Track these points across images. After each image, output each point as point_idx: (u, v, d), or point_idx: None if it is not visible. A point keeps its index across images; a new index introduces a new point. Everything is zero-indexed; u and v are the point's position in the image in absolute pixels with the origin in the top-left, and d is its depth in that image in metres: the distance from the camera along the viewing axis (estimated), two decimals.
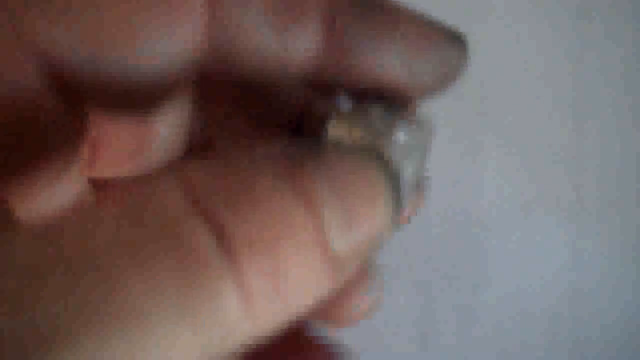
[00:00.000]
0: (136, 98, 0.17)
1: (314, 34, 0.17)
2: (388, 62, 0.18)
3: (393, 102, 0.18)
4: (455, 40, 0.19)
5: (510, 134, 0.52)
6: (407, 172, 0.18)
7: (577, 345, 0.52)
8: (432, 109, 0.46)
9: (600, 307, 0.52)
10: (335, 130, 0.17)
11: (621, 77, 0.52)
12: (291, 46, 0.17)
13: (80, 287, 0.12)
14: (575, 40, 0.52)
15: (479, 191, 0.51)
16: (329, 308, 0.19)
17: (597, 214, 0.52)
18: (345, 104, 0.18)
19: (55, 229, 0.12)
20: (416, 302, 0.50)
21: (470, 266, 0.51)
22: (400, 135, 0.18)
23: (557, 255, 0.51)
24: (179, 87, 0.17)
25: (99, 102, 0.17)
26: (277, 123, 0.20)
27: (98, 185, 0.19)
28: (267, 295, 0.13)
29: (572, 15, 0.52)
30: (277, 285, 0.13)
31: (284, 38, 0.17)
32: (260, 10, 0.17)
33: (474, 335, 0.51)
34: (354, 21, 0.17)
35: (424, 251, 0.50)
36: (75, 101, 0.17)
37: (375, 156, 0.15)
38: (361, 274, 0.19)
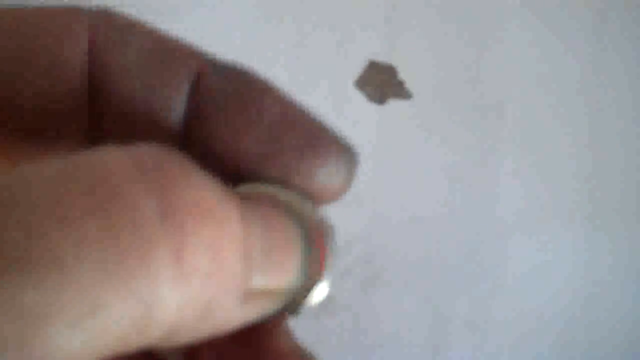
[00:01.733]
0: (23, 130, 0.18)
1: (180, 95, 0.18)
2: (246, 144, 0.18)
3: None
4: (338, 146, 0.18)
5: (527, 146, 0.53)
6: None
7: (589, 357, 0.52)
8: (448, 116, 0.46)
9: (613, 317, 0.52)
10: None
11: (636, 91, 0.53)
12: (161, 102, 0.18)
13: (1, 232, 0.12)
14: (590, 56, 0.52)
15: (494, 202, 0.52)
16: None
17: (611, 225, 0.52)
18: None
19: None
20: (427, 313, 0.51)
21: (486, 275, 0.51)
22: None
23: (572, 265, 0.51)
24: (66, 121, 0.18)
25: None
26: None
27: None
28: (202, 276, 0.13)
29: (587, 32, 0.52)
30: (213, 270, 0.13)
31: (154, 91, 0.18)
32: (137, 58, 0.18)
33: (486, 352, 0.51)
34: (220, 86, 0.18)
35: (437, 259, 0.51)
36: None
37: (291, 212, 0.16)
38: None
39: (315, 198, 0.18)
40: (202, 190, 0.14)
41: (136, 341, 0.13)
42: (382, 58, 0.47)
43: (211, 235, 0.13)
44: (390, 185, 0.51)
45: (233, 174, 0.18)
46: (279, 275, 0.15)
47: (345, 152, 0.18)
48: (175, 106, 0.18)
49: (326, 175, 0.18)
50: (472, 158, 0.51)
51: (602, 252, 0.52)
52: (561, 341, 0.52)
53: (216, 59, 0.18)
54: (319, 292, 0.17)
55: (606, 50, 0.53)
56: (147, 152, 0.14)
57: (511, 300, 0.51)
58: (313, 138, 0.18)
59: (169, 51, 0.18)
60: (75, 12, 0.18)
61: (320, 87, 0.46)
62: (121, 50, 0.18)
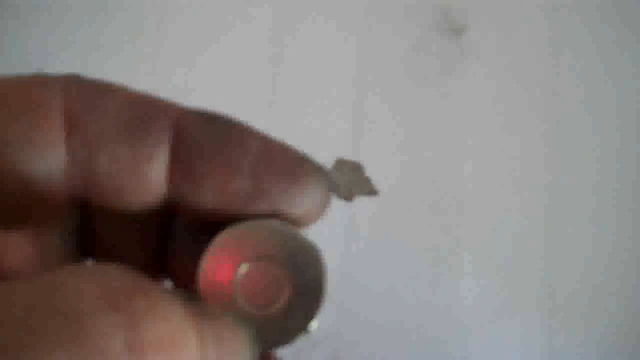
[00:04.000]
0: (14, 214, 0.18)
1: (161, 159, 0.18)
2: (235, 176, 0.18)
3: None
4: (313, 165, 0.19)
5: (486, 242, 0.53)
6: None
7: None
8: (408, 218, 0.45)
9: None
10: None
11: (593, 180, 0.54)
12: (143, 159, 0.18)
13: None
14: (549, 141, 0.54)
15: (455, 297, 0.51)
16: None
17: (570, 313, 0.52)
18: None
19: None
20: None
21: None
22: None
23: (534, 353, 0.51)
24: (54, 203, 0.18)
25: None
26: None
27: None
28: None
29: (544, 129, 0.54)
30: None
31: (136, 150, 0.18)
32: (113, 126, 0.18)
33: None
34: (200, 135, 0.18)
35: (403, 357, 0.50)
36: None
37: (243, 320, 0.17)
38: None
39: (299, 223, 0.18)
40: (166, 321, 0.14)
41: None
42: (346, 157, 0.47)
43: None
44: (357, 283, 0.50)
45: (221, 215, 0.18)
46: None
47: (323, 177, 0.19)
48: (157, 161, 0.18)
49: (309, 200, 0.18)
50: (433, 257, 0.52)
51: (559, 345, 0.51)
52: None
53: (190, 107, 0.19)
54: None
55: (563, 148, 0.54)
56: (115, 278, 0.14)
57: None
58: (294, 169, 0.18)
59: (144, 106, 0.18)
60: (45, 83, 0.18)
61: None
62: (96, 117, 0.18)
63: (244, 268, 0.18)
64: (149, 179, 0.18)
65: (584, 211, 0.53)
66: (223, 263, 0.18)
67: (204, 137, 0.18)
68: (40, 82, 0.18)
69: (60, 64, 0.53)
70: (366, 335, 0.50)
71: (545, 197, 0.53)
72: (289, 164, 0.18)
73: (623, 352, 0.51)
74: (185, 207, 0.18)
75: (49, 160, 0.17)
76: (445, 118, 0.54)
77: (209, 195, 0.18)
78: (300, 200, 0.18)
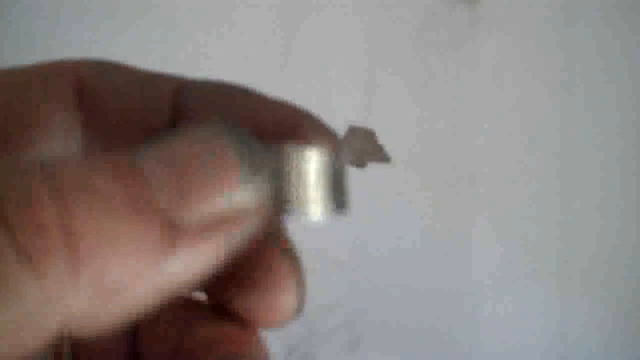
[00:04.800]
0: None
1: (164, 103, 0.18)
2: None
3: None
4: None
5: (499, 210, 0.54)
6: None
7: None
8: (421, 185, 0.46)
9: None
10: None
11: (606, 153, 0.54)
12: (148, 109, 0.18)
13: None
14: (562, 112, 0.54)
15: (468, 265, 0.52)
16: (252, 305, 0.17)
17: (583, 287, 0.53)
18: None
19: None
20: None
21: (461, 335, 0.51)
22: None
23: (544, 323, 0.52)
24: None
25: None
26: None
27: None
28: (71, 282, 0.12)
29: (556, 98, 0.54)
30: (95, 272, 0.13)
31: (141, 102, 0.18)
32: (124, 83, 0.18)
33: None
34: (198, 96, 0.19)
35: (416, 321, 0.51)
36: None
37: (227, 130, 0.15)
38: (285, 269, 0.18)
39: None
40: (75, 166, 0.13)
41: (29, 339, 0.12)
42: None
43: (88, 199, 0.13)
44: (369, 251, 0.51)
45: None
46: (216, 195, 0.14)
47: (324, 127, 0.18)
48: (160, 113, 0.18)
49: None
50: (446, 224, 0.52)
51: (574, 311, 0.52)
52: None
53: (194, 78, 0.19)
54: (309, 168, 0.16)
55: (576, 118, 0.54)
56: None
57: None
58: (296, 117, 0.18)
59: (150, 74, 0.19)
60: (59, 67, 0.18)
61: None
62: (109, 79, 0.18)
63: None
64: (155, 121, 0.19)
65: (598, 179, 0.54)
66: None
67: (204, 95, 0.19)
68: (52, 69, 0.19)
69: (70, 38, 0.53)
70: (379, 302, 0.51)
71: (559, 167, 0.54)
72: (287, 117, 0.18)
73: (639, 321, 0.52)
74: None
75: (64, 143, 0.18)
76: (457, 89, 0.54)
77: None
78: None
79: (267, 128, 0.17)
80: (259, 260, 0.18)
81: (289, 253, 0.18)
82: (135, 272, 0.13)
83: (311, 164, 0.17)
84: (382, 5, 0.55)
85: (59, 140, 0.18)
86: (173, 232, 0.13)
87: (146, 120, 0.18)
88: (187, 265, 0.14)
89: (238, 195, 0.14)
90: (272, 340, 0.19)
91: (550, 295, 0.52)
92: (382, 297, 0.51)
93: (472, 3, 0.55)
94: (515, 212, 0.53)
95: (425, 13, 0.55)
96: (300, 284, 0.18)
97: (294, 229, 0.19)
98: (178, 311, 0.18)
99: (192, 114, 0.18)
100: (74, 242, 0.12)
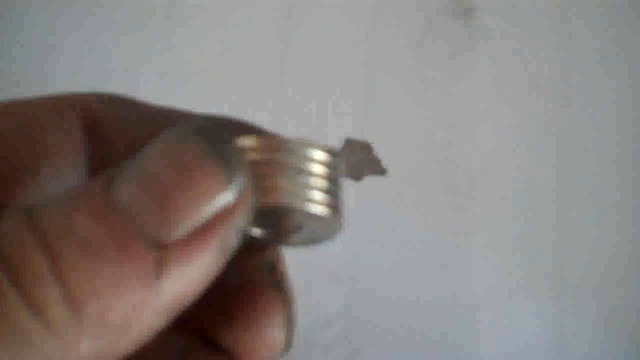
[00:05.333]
0: None
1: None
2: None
3: None
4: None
5: (497, 221, 0.54)
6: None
7: None
8: (418, 197, 0.46)
9: None
10: None
11: (605, 159, 0.54)
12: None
13: None
14: (559, 123, 0.54)
15: (466, 276, 0.52)
16: (241, 340, 0.17)
17: (579, 297, 0.52)
18: None
19: None
20: None
21: (459, 347, 0.51)
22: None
23: (542, 336, 0.51)
24: None
25: None
26: None
27: None
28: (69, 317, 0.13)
29: (555, 108, 0.54)
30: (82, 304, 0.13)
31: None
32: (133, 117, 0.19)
33: None
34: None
35: (414, 335, 0.50)
36: None
37: (194, 130, 0.14)
38: (275, 304, 0.17)
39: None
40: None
41: None
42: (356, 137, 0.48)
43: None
44: (367, 263, 0.51)
45: None
46: (200, 204, 0.14)
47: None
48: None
49: None
50: (444, 236, 0.52)
51: (570, 325, 0.52)
52: None
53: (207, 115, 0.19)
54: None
55: (573, 129, 0.54)
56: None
57: None
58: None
59: (161, 111, 0.19)
60: (69, 99, 0.18)
61: None
62: (118, 113, 0.18)
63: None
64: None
65: (596, 191, 0.54)
66: None
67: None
68: (60, 102, 0.19)
69: (68, 48, 0.53)
70: (377, 313, 0.50)
71: (556, 178, 0.54)
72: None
73: (635, 333, 0.52)
74: None
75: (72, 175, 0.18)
76: (454, 101, 0.54)
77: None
78: None
79: None
80: (249, 293, 0.17)
81: (280, 285, 0.18)
82: (135, 302, 0.13)
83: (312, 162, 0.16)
84: (379, 16, 0.55)
85: (66, 171, 0.18)
86: (162, 252, 0.13)
87: None
88: (185, 278, 0.14)
89: (222, 197, 0.14)
90: None
91: (548, 306, 0.52)
92: (380, 309, 0.51)
93: (469, 15, 0.55)
94: (513, 223, 0.53)
95: (422, 25, 0.55)
96: (290, 320, 0.18)
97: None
98: (168, 338, 0.17)
99: None
100: (71, 289, 0.13)
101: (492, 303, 0.51)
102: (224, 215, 0.14)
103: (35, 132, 0.18)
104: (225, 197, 0.14)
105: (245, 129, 0.18)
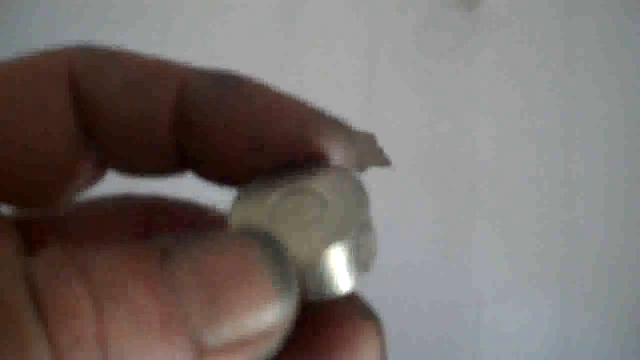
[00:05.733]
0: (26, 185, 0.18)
1: (166, 107, 0.17)
2: (239, 146, 0.17)
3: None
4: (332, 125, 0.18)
5: (500, 217, 0.53)
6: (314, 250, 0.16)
7: None
8: (421, 191, 0.46)
9: None
10: (238, 208, 0.17)
11: (611, 149, 0.54)
12: (147, 117, 0.17)
13: None
14: (563, 114, 0.54)
15: (469, 274, 0.52)
16: None
17: (585, 294, 0.52)
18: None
19: None
20: None
21: (463, 344, 0.51)
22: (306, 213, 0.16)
23: (546, 330, 0.51)
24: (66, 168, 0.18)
25: None
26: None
27: None
28: None
29: (558, 106, 0.54)
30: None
31: (140, 108, 0.17)
32: (121, 82, 0.17)
33: None
34: (204, 99, 0.17)
35: (418, 331, 0.50)
36: None
37: (261, 238, 0.14)
38: (369, 334, 0.17)
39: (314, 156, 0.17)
40: (108, 258, 0.13)
41: None
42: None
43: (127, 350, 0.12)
44: None
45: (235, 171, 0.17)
46: (246, 316, 0.13)
47: (339, 129, 0.17)
48: (162, 118, 0.17)
49: (328, 147, 0.17)
50: (447, 231, 0.52)
51: (576, 319, 0.51)
52: None
53: (200, 68, 0.18)
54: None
55: (577, 120, 0.54)
56: (53, 260, 0.13)
57: None
58: (305, 123, 0.17)
59: (151, 69, 0.18)
60: (53, 55, 0.18)
61: None
62: (103, 77, 0.18)
63: (276, 202, 0.17)
64: (154, 137, 0.18)
65: (601, 184, 0.53)
66: (254, 207, 0.17)
67: (210, 96, 0.18)
68: (46, 58, 0.18)
69: (68, 37, 0.53)
70: (379, 309, 0.50)
71: (561, 171, 0.53)
72: (297, 120, 0.17)
73: None
74: (194, 164, 0.18)
75: (56, 128, 0.17)
76: (457, 92, 0.54)
77: (215, 154, 0.17)
78: (315, 138, 0.17)
79: (267, 131, 0.17)
80: (336, 330, 0.17)
81: (368, 313, 0.18)
82: None
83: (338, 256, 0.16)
84: (381, 8, 0.55)
85: (58, 145, 0.18)
86: (200, 351, 0.13)
87: (146, 134, 0.18)
88: None
89: (267, 316, 0.14)
90: None
91: (552, 304, 0.51)
92: (382, 308, 0.50)
93: (471, 6, 0.55)
94: (517, 218, 0.53)
95: (425, 16, 0.55)
96: (384, 353, 0.17)
97: None
98: None
99: (198, 126, 0.17)
100: (109, 357, 0.12)
101: (496, 300, 0.51)
102: (264, 335, 0.14)
103: (28, 106, 0.17)
104: (269, 318, 0.14)
105: (254, 90, 0.18)
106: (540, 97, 0.54)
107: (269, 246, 0.14)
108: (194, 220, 0.19)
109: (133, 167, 0.19)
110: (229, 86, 0.18)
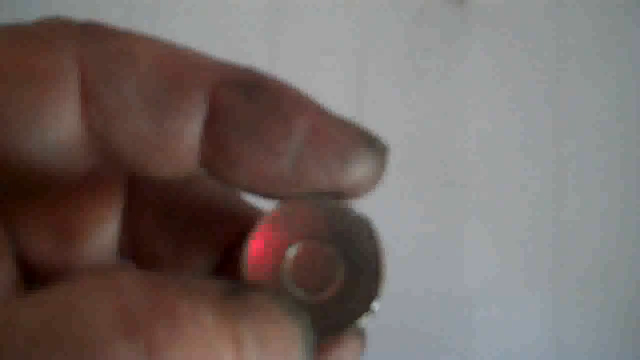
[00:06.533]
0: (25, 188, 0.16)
1: (193, 135, 0.16)
2: (275, 160, 0.16)
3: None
4: (369, 144, 0.17)
5: (492, 213, 0.53)
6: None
7: None
8: (412, 188, 0.44)
9: None
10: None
11: (603, 149, 0.54)
12: (171, 135, 0.16)
13: None
14: (555, 111, 0.53)
15: (460, 269, 0.51)
16: None
17: (577, 291, 0.52)
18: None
19: None
20: None
21: (454, 341, 0.50)
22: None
23: (538, 329, 0.51)
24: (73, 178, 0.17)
25: None
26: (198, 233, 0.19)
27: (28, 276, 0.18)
28: None
29: (550, 106, 0.54)
30: None
31: (163, 125, 0.16)
32: (137, 96, 0.16)
33: None
34: (240, 110, 0.16)
35: (409, 328, 0.50)
36: None
37: (294, 308, 0.15)
38: (351, 350, 0.18)
39: (348, 195, 0.17)
40: (192, 341, 0.13)
41: None
42: None
43: None
44: None
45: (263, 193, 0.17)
46: None
47: (372, 146, 0.17)
48: (188, 137, 0.16)
49: (359, 178, 0.17)
50: (438, 227, 0.51)
51: (568, 316, 0.51)
52: None
53: (232, 70, 0.17)
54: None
55: (569, 117, 0.54)
56: (131, 292, 0.12)
57: None
58: (345, 151, 0.17)
59: (174, 71, 0.16)
60: (55, 43, 0.16)
61: None
62: (117, 84, 0.16)
63: (293, 249, 0.17)
64: (178, 156, 0.16)
65: (594, 182, 0.53)
66: (271, 244, 0.17)
67: (244, 112, 0.16)
68: (48, 42, 0.16)
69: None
70: None
71: (553, 169, 0.53)
72: (338, 147, 0.17)
73: (636, 327, 0.51)
74: (218, 174, 0.17)
75: (62, 135, 0.15)
76: (447, 89, 0.54)
77: (245, 178, 0.16)
78: (350, 179, 0.17)
79: (306, 158, 0.16)
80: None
81: (360, 330, 0.18)
82: None
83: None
84: (371, 4, 0.54)
85: (62, 130, 0.16)
86: None
87: (170, 153, 0.16)
88: None
89: None
90: None
91: (544, 300, 0.51)
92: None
93: (461, 2, 0.54)
94: (509, 215, 0.52)
95: (414, 12, 0.54)
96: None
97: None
98: None
99: (229, 134, 0.16)
100: None
101: (488, 296, 0.51)
102: None
103: (33, 76, 0.15)
104: None
105: (278, 97, 0.17)
106: (531, 93, 0.54)
107: (305, 324, 0.15)
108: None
109: (149, 177, 0.18)
110: (265, 102, 0.17)
